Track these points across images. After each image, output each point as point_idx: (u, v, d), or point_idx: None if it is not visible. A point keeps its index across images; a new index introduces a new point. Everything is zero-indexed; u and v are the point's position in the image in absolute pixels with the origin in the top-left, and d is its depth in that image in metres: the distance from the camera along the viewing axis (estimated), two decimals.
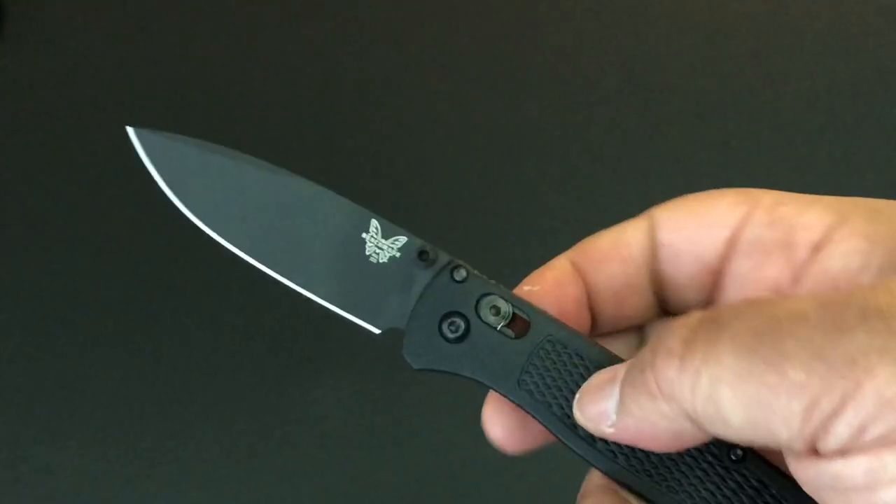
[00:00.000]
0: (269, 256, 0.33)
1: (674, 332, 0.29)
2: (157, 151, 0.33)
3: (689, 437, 0.30)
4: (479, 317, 0.34)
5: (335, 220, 0.34)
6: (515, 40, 1.01)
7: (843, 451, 0.27)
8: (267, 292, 0.87)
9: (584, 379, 0.34)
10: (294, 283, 0.34)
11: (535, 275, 0.36)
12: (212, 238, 0.32)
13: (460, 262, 0.35)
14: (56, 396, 0.85)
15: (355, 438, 0.83)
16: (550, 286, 0.35)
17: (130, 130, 0.32)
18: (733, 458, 0.33)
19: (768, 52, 1.00)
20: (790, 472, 0.30)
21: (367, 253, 0.34)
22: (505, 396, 0.34)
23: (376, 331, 0.35)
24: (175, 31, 1.02)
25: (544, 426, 0.34)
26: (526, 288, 0.35)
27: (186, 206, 0.33)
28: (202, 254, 0.88)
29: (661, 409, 0.29)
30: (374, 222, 0.34)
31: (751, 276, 0.34)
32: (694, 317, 0.29)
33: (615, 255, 0.35)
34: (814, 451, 0.27)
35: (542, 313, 0.35)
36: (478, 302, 0.34)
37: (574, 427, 0.34)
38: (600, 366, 0.34)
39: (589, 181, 0.94)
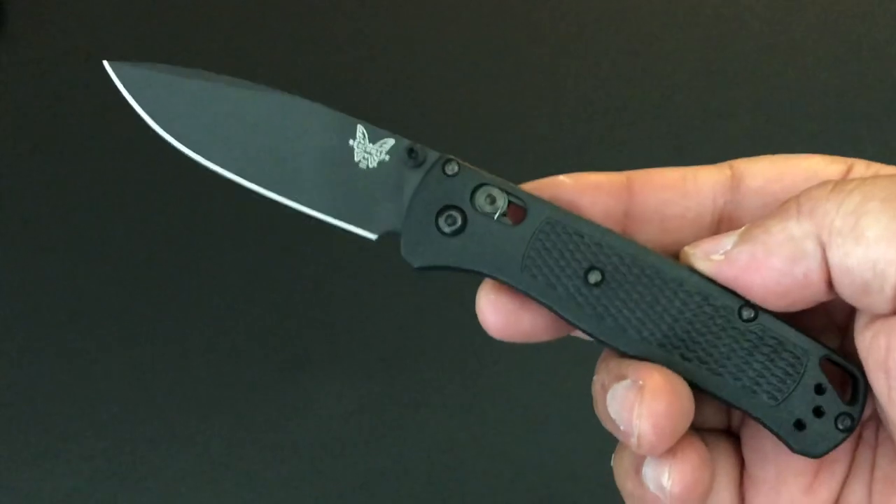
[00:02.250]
0: (259, 175, 0.33)
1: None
2: (135, 84, 0.33)
3: (800, 267, 0.31)
4: (475, 208, 0.34)
5: (321, 131, 0.34)
6: (514, 41, 0.99)
7: None
8: (267, 292, 0.87)
9: (587, 256, 0.34)
10: (286, 198, 0.34)
11: (581, 173, 0.36)
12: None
13: (451, 157, 0.35)
14: (56, 396, 0.85)
15: (355, 438, 0.83)
16: (586, 185, 0.35)
17: (107, 65, 0.33)
18: (745, 317, 0.33)
19: (770, 52, 0.97)
20: (867, 343, 0.31)
21: (357, 160, 0.34)
22: (508, 285, 0.34)
23: (373, 237, 0.35)
24: (175, 31, 1.01)
25: (551, 309, 0.34)
26: (562, 177, 0.35)
27: (171, 133, 0.33)
28: (201, 253, 0.89)
29: (790, 229, 0.31)
30: (360, 128, 0.34)
31: None
32: None
33: (679, 185, 0.35)
34: None
35: (537, 198, 0.35)
36: (472, 193, 0.34)
37: (580, 306, 0.34)
38: (602, 242, 0.34)
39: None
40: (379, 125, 0.34)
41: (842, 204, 0.30)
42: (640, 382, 0.32)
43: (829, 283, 0.31)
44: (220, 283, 0.88)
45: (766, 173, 0.35)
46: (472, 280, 0.35)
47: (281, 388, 0.85)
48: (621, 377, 0.33)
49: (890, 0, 0.98)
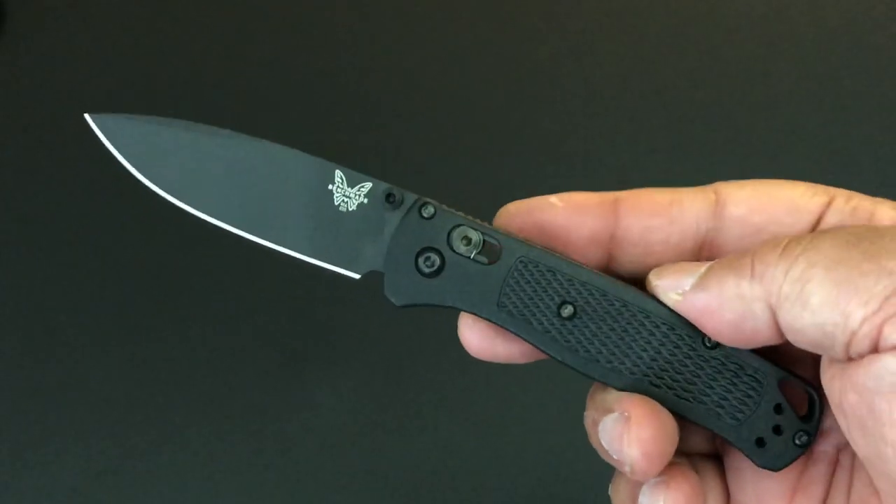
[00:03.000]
0: (242, 220, 0.35)
1: (782, 237, 0.32)
2: (118, 135, 0.34)
3: (749, 323, 0.32)
4: (452, 248, 0.36)
5: (301, 176, 0.35)
6: (513, 41, 0.99)
7: None
8: (267, 292, 0.88)
9: (559, 292, 0.35)
10: (270, 241, 0.35)
11: (571, 193, 0.37)
12: (195, 217, 0.33)
13: (427, 199, 0.36)
14: (56, 396, 0.85)
15: (355, 438, 0.83)
16: (574, 208, 0.36)
17: (89, 118, 0.34)
18: (708, 345, 0.35)
19: (769, 52, 0.97)
20: (826, 383, 0.32)
21: (336, 203, 0.35)
22: (487, 320, 0.36)
23: (356, 276, 0.36)
24: (175, 31, 1.01)
25: (528, 342, 0.36)
26: (552, 199, 0.37)
27: (156, 183, 0.34)
28: (201, 254, 0.89)
29: (742, 289, 0.32)
30: (338, 173, 0.35)
31: None
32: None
33: (665, 211, 0.36)
34: (874, 347, 0.30)
35: (511, 237, 0.36)
36: (449, 235, 0.36)
37: (554, 339, 0.35)
38: (573, 278, 0.35)
39: (586, 182, 0.91)
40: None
41: (789, 270, 0.31)
42: (626, 414, 0.34)
43: (782, 335, 0.33)
44: (220, 284, 0.89)
45: (749, 202, 0.36)
46: None
47: (280, 387, 0.85)
48: (608, 411, 0.35)
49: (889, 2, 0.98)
